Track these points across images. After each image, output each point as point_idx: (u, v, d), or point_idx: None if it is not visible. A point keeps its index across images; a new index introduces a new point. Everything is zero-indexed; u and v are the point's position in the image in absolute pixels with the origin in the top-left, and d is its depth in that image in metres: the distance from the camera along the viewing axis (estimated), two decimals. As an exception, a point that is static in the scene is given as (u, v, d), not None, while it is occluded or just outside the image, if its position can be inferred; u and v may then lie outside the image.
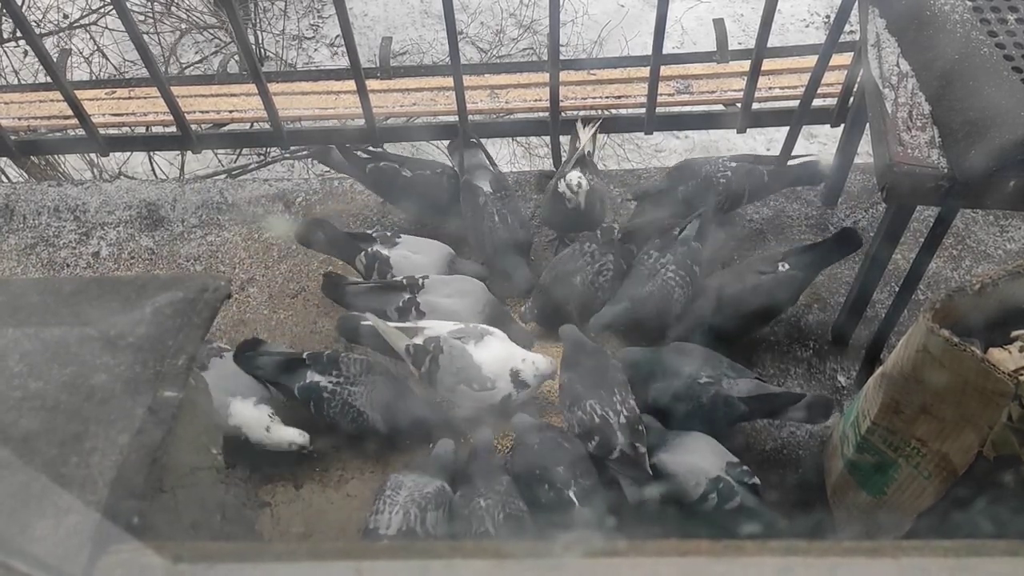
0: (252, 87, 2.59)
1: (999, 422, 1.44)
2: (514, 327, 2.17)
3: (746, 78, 2.40)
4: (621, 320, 2.11)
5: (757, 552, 0.91)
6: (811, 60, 2.30)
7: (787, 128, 2.42)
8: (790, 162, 2.43)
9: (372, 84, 3.01)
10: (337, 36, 6.54)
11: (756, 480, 1.80)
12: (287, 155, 5.11)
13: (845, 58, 2.56)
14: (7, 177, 4.70)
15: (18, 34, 4.79)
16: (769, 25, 2.19)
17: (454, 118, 2.53)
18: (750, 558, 0.90)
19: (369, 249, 2.25)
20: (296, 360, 2.02)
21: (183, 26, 6.14)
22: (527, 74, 3.23)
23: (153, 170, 5.40)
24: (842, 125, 2.34)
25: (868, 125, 1.69)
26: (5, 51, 5.33)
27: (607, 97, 3.01)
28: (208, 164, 5.42)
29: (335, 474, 2.03)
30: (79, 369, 1.16)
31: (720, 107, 3.06)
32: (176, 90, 2.52)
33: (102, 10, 5.58)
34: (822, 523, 1.89)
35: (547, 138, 2.65)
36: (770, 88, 3.03)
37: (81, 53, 5.43)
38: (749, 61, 2.40)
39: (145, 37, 2.39)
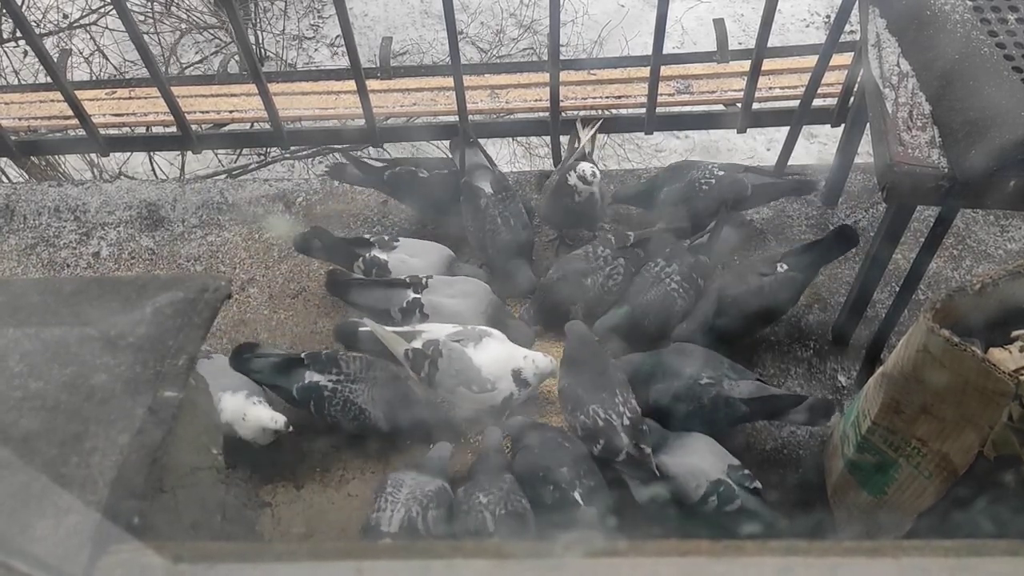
0: (252, 87, 2.59)
1: (999, 422, 1.44)
2: (514, 326, 2.17)
3: (746, 78, 2.40)
4: (623, 325, 2.11)
5: (757, 552, 0.91)
6: (811, 60, 2.30)
7: (787, 128, 2.42)
8: (790, 162, 2.43)
9: (372, 84, 3.01)
10: (337, 36, 6.54)
11: (757, 484, 1.80)
12: (287, 155, 5.11)
13: (845, 58, 2.56)
14: (7, 177, 4.71)
15: (18, 34, 4.79)
16: (769, 25, 2.19)
17: (454, 118, 2.53)
18: (750, 558, 0.90)
19: (367, 254, 2.25)
20: (294, 361, 2.00)
21: (183, 26, 6.14)
22: (527, 74, 3.23)
23: (153, 170, 5.40)
24: (842, 125, 2.34)
25: (868, 125, 1.69)
26: (5, 51, 5.34)
27: (607, 97, 3.01)
28: (208, 164, 5.42)
29: (336, 474, 2.03)
30: (79, 369, 1.16)
31: (720, 107, 3.06)
32: (176, 90, 2.52)
33: (102, 10, 5.58)
34: (822, 523, 1.89)
35: (547, 138, 2.65)
36: (770, 88, 3.03)
37: (81, 53, 5.43)
38: (749, 61, 2.40)
39: (145, 37, 2.39)
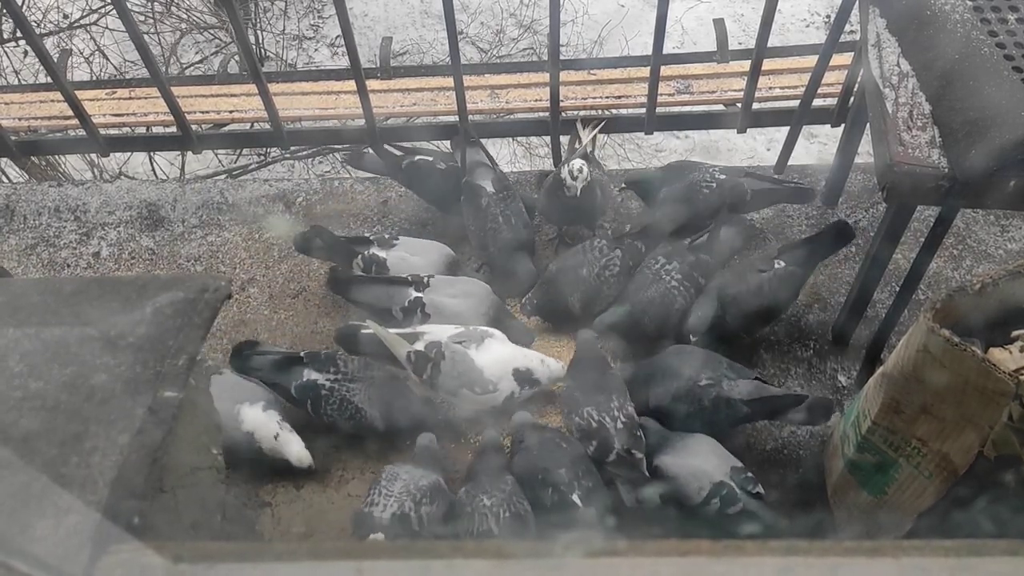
0: (252, 87, 2.59)
1: (1000, 422, 1.44)
2: (514, 325, 2.17)
3: (746, 78, 2.40)
4: (623, 322, 2.12)
5: (757, 552, 0.91)
6: (811, 60, 2.30)
7: (787, 128, 2.42)
8: (790, 162, 2.43)
9: (372, 84, 3.01)
10: (337, 36, 6.54)
11: (760, 489, 1.80)
12: (287, 155, 5.11)
13: (845, 58, 2.56)
14: (8, 177, 4.71)
15: (18, 34, 4.79)
16: (769, 25, 2.19)
17: (454, 118, 2.53)
18: (750, 558, 0.90)
19: (366, 252, 2.26)
20: (293, 359, 2.01)
21: (183, 26, 6.14)
22: (527, 74, 3.23)
23: (153, 170, 5.40)
24: (842, 125, 2.34)
25: (868, 125, 1.69)
26: (5, 51, 5.34)
27: (607, 97, 3.00)
28: (208, 164, 5.43)
29: (336, 474, 2.03)
30: (79, 369, 1.16)
31: (720, 107, 3.05)
32: (176, 90, 2.52)
33: (102, 10, 5.58)
34: (823, 523, 1.89)
35: (547, 138, 2.65)
36: (770, 88, 3.02)
37: (81, 53, 5.43)
38: (749, 61, 2.40)
39: (145, 37, 2.39)
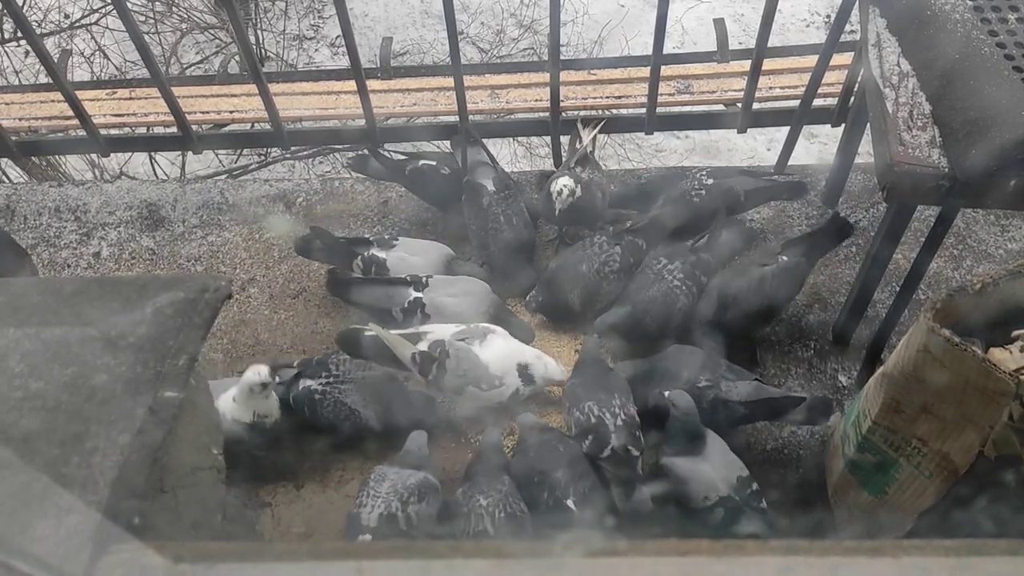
0: (253, 87, 2.59)
1: (1000, 422, 1.44)
2: (514, 323, 2.17)
3: (746, 78, 2.40)
4: (624, 322, 2.12)
5: (757, 552, 0.91)
6: (811, 60, 2.30)
7: (787, 128, 2.42)
8: (790, 162, 2.43)
9: (373, 84, 3.00)
10: (338, 36, 6.55)
11: (764, 505, 1.79)
12: (288, 155, 5.11)
13: (845, 58, 2.56)
14: (8, 178, 4.71)
15: (19, 34, 4.79)
16: (769, 25, 2.19)
17: (455, 118, 2.53)
18: (750, 558, 0.90)
19: (365, 253, 2.26)
20: (297, 374, 2.03)
21: (184, 26, 6.14)
22: (527, 74, 3.22)
23: (154, 170, 5.40)
24: (842, 125, 2.34)
25: (869, 125, 1.69)
26: (6, 51, 5.34)
27: (607, 97, 3.00)
28: (209, 164, 5.43)
29: (335, 474, 2.03)
30: (80, 369, 1.16)
31: (720, 107, 3.05)
32: (177, 90, 2.52)
33: (103, 10, 5.58)
34: (823, 522, 1.89)
35: (548, 138, 2.65)
36: (770, 88, 3.02)
37: (82, 53, 5.44)
38: (749, 61, 2.40)
39: (146, 37, 2.39)
